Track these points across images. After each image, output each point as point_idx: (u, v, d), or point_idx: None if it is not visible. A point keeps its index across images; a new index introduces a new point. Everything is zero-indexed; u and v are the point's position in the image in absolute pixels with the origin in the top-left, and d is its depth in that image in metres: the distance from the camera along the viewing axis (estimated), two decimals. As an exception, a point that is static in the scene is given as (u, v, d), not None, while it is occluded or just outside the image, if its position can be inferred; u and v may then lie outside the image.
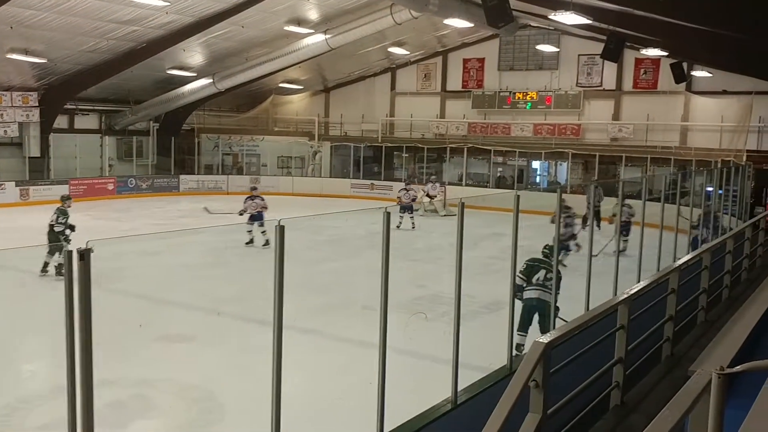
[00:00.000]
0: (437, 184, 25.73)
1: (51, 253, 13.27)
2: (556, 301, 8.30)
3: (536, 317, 8.91)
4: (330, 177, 32.77)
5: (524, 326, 8.81)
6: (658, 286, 7.16)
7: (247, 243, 16.71)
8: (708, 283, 8.33)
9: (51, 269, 13.20)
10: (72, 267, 3.18)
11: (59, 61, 23.59)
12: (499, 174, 30.17)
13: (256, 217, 17.06)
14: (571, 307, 7.43)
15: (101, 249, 3.24)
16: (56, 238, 13.42)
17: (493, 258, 13.51)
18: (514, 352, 8.27)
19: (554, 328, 8.15)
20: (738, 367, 2.89)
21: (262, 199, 17.46)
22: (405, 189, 22.86)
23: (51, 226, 13.78)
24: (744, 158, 22.02)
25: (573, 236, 12.40)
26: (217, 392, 8.03)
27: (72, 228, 13.81)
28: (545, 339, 4.18)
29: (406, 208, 21.23)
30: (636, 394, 5.93)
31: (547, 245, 9.21)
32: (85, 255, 3.17)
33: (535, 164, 30.39)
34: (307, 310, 10.70)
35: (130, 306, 11.26)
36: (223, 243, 16.74)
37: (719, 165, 20.49)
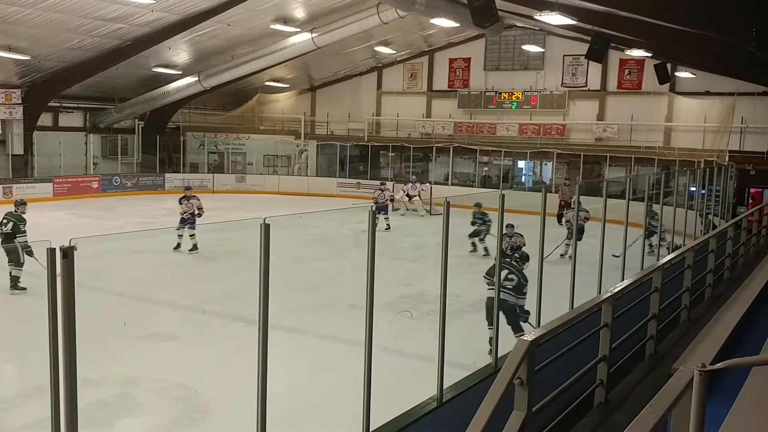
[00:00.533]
0: (417, 184, 25.57)
1: (18, 265, 11.96)
2: (524, 305, 8.68)
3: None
4: (316, 176, 32.73)
5: (491, 321, 8.86)
6: (641, 285, 7.22)
7: (174, 248, 16.03)
8: (691, 282, 8.40)
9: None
10: (55, 265, 3.15)
11: (43, 59, 23.39)
12: (484, 173, 30.27)
13: (188, 221, 16.33)
14: (552, 304, 7.45)
15: (86, 247, 3.23)
16: (13, 247, 12.02)
17: (478, 257, 13.56)
18: (488, 347, 8.49)
19: (522, 331, 8.40)
20: (719, 364, 2.92)
21: (198, 199, 16.85)
22: (380, 189, 22.65)
23: (5, 235, 12.23)
24: (726, 158, 22.23)
25: (518, 248, 12.46)
26: (202, 391, 8.01)
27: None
28: (529, 337, 4.20)
29: (381, 209, 20.91)
30: (620, 391, 5.97)
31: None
32: (68, 253, 3.15)
33: (521, 164, 30.53)
34: (294, 308, 10.69)
35: (115, 304, 11.21)
36: (209, 242, 16.67)
37: (702, 165, 20.67)
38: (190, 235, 16.02)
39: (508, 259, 9.48)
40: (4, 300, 11.19)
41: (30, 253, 11.48)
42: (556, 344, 5.34)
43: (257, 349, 4.18)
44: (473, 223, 16.46)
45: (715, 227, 14.04)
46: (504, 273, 9.01)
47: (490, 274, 9.09)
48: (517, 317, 8.93)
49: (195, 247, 15.91)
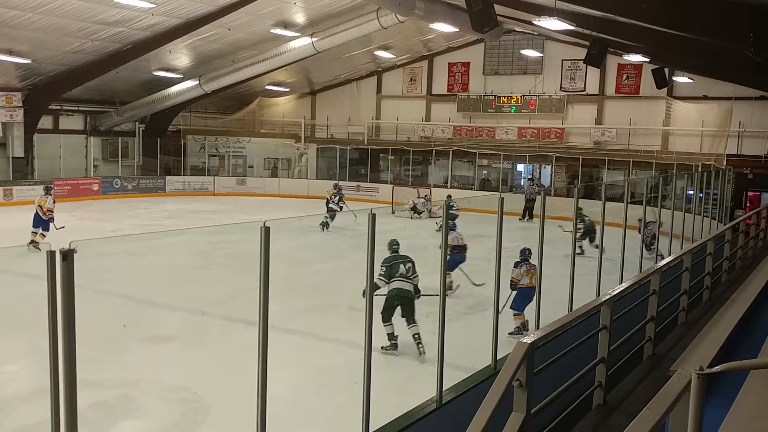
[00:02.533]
0: (422, 199, 25.72)
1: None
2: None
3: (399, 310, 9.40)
4: (316, 179, 32.77)
5: (388, 317, 9.34)
6: (639, 288, 7.25)
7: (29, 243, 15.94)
8: (689, 285, 8.44)
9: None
10: (55, 267, 3.16)
11: (44, 62, 23.43)
12: (484, 176, 30.32)
13: (41, 223, 16.28)
14: (552, 309, 7.49)
15: (86, 250, 3.25)
16: None
17: (479, 259, 13.56)
18: (388, 342, 9.11)
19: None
20: (717, 367, 2.94)
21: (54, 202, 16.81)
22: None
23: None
24: (724, 162, 22.30)
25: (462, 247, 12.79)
26: (202, 393, 8.02)
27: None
28: (528, 339, 4.23)
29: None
30: (618, 393, 6.00)
31: None
32: (68, 255, 3.16)
33: (520, 167, 30.57)
34: (294, 310, 10.70)
35: (115, 307, 11.21)
36: (210, 244, 16.68)
37: (700, 169, 20.71)
38: (36, 233, 16.12)
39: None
40: (4, 301, 11.19)
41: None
42: (555, 346, 5.37)
43: (257, 351, 4.21)
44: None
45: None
46: (402, 267, 9.50)
47: (387, 274, 9.45)
48: (411, 306, 9.43)
49: (33, 244, 15.90)
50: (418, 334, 9.16)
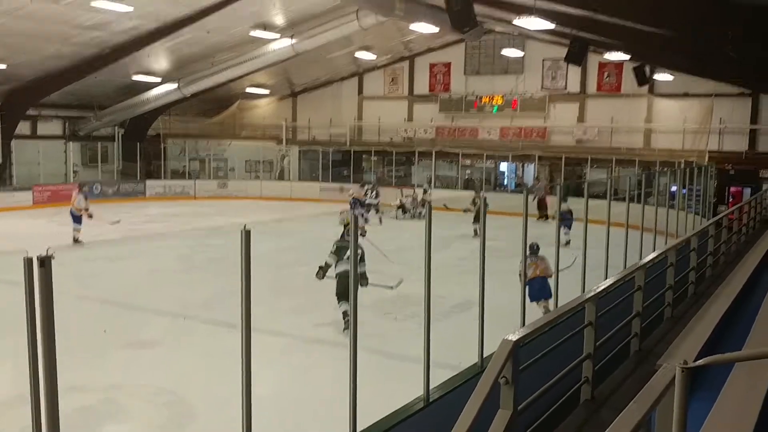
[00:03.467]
0: (410, 198, 25.84)
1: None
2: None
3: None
4: (299, 181, 32.69)
5: (344, 296, 10.20)
6: (624, 284, 7.27)
7: None
8: (674, 280, 8.47)
9: None
10: (33, 274, 3.11)
11: (21, 67, 23.17)
12: (467, 176, 30.36)
13: (76, 220, 17.56)
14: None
15: (67, 255, 3.20)
16: None
17: (463, 259, 13.58)
18: (344, 321, 10.06)
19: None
20: (700, 361, 2.93)
21: None
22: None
23: None
24: (706, 159, 22.49)
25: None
26: (187, 396, 7.97)
27: None
28: (514, 336, 4.20)
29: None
30: (606, 388, 6.00)
31: None
32: (45, 261, 3.11)
33: (503, 166, 30.66)
34: (278, 312, 10.67)
35: (98, 311, 11.14)
36: (191, 248, 16.57)
37: (683, 166, 20.88)
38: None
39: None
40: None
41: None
42: (541, 343, 5.36)
43: (240, 353, 4.16)
44: None
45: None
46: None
47: (337, 254, 10.57)
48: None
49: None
50: (346, 311, 10.15)
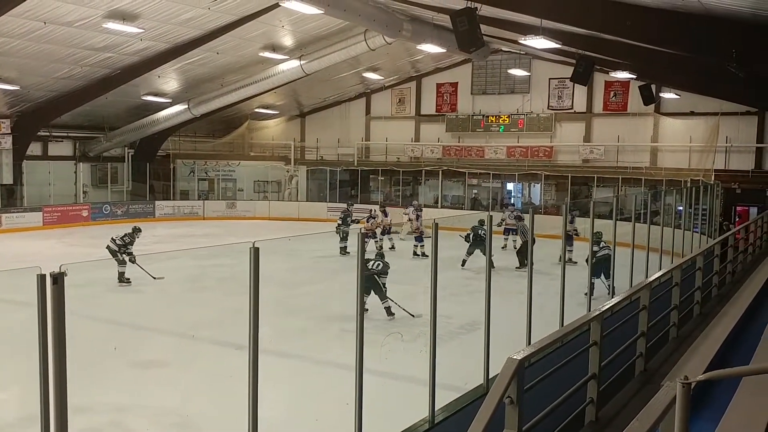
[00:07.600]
0: (411, 209, 25.64)
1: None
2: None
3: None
4: (307, 201, 32.79)
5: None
6: (630, 304, 7.27)
7: None
8: (679, 300, 8.45)
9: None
10: (45, 291, 3.16)
11: (32, 89, 23.45)
12: (473, 196, 30.40)
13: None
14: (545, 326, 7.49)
15: (77, 275, 3.25)
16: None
17: (469, 278, 13.59)
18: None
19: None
20: (700, 376, 2.98)
21: None
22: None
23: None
24: (712, 177, 22.45)
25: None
26: (194, 417, 7.97)
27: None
28: (518, 356, 4.23)
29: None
30: (610, 409, 5.98)
31: None
32: (58, 279, 3.17)
33: (509, 186, 30.69)
34: (285, 332, 10.67)
35: (106, 331, 11.15)
36: (200, 268, 16.62)
37: (689, 184, 20.84)
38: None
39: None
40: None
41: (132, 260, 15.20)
42: (545, 363, 5.38)
43: (248, 374, 4.20)
44: None
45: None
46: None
47: None
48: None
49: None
50: (389, 307, 12.13)
